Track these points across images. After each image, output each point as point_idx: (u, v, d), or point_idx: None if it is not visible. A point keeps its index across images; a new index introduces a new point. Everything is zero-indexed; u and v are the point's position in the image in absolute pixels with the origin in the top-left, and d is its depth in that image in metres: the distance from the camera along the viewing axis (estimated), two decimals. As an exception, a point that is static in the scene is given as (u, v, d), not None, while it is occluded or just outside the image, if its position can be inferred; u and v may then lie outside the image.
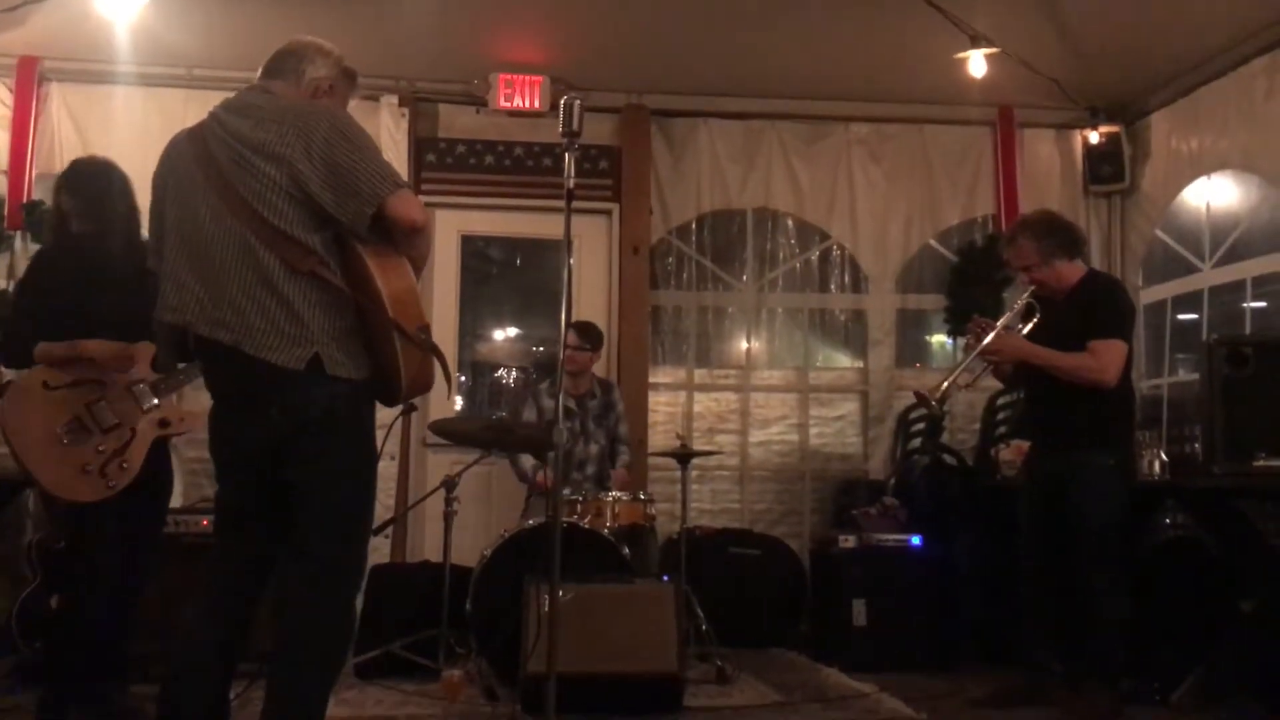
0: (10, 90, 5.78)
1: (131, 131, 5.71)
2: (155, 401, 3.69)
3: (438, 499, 4.84)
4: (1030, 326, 4.35)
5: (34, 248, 5.66)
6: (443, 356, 2.71)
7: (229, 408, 2.76)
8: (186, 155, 2.75)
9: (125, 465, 3.58)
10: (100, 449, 3.55)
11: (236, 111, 2.71)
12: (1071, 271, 4.37)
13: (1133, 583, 4.26)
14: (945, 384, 4.30)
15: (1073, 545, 4.21)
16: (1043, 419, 4.46)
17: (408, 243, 2.67)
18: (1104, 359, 4.17)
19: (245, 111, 2.70)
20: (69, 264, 3.73)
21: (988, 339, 4.29)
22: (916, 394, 4.49)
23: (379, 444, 2.83)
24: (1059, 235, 4.38)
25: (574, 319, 5.29)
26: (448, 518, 4.74)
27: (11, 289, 4.19)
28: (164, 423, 3.71)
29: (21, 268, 5.66)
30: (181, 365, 3.74)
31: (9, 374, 5.46)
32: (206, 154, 2.69)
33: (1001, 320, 4.39)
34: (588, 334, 5.52)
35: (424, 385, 2.74)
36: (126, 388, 3.64)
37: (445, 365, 2.72)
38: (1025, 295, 4.44)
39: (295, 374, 2.59)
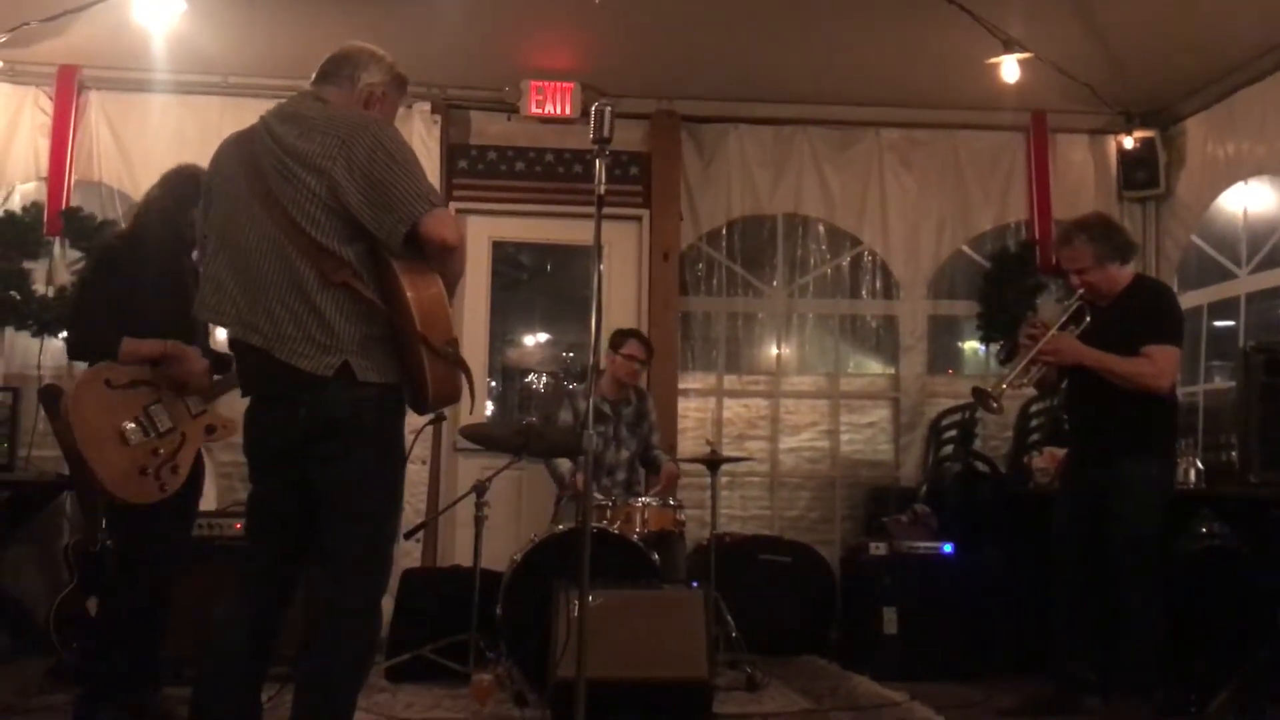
0: (50, 98, 5.86)
1: (168, 139, 5.79)
2: (204, 407, 3.73)
3: (468, 503, 4.85)
4: (1080, 329, 4.30)
5: (73, 254, 5.75)
6: (469, 371, 2.72)
7: (261, 408, 2.80)
8: (233, 159, 2.79)
9: (177, 469, 3.62)
10: (158, 451, 3.58)
11: (286, 119, 2.74)
12: (1122, 276, 4.35)
13: (1168, 592, 4.21)
14: (1004, 384, 4.27)
15: (1109, 554, 4.17)
16: (1087, 425, 4.39)
17: (441, 261, 2.68)
18: (1160, 364, 4.15)
19: (294, 120, 2.72)
20: (140, 263, 3.73)
21: (1045, 339, 4.24)
22: (976, 391, 4.42)
23: (408, 448, 2.84)
24: (1115, 239, 4.36)
25: (603, 325, 5.30)
26: (478, 522, 4.76)
27: (79, 281, 4.18)
28: (210, 428, 3.75)
29: (61, 273, 5.76)
30: (216, 377, 3.81)
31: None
32: (252, 160, 2.72)
33: (1055, 322, 4.34)
34: (648, 347, 5.56)
35: (450, 397, 2.75)
36: (178, 388, 3.67)
37: (471, 380, 2.73)
38: (1075, 298, 4.37)
39: (324, 379, 2.63)
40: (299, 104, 2.79)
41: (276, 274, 2.65)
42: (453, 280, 2.73)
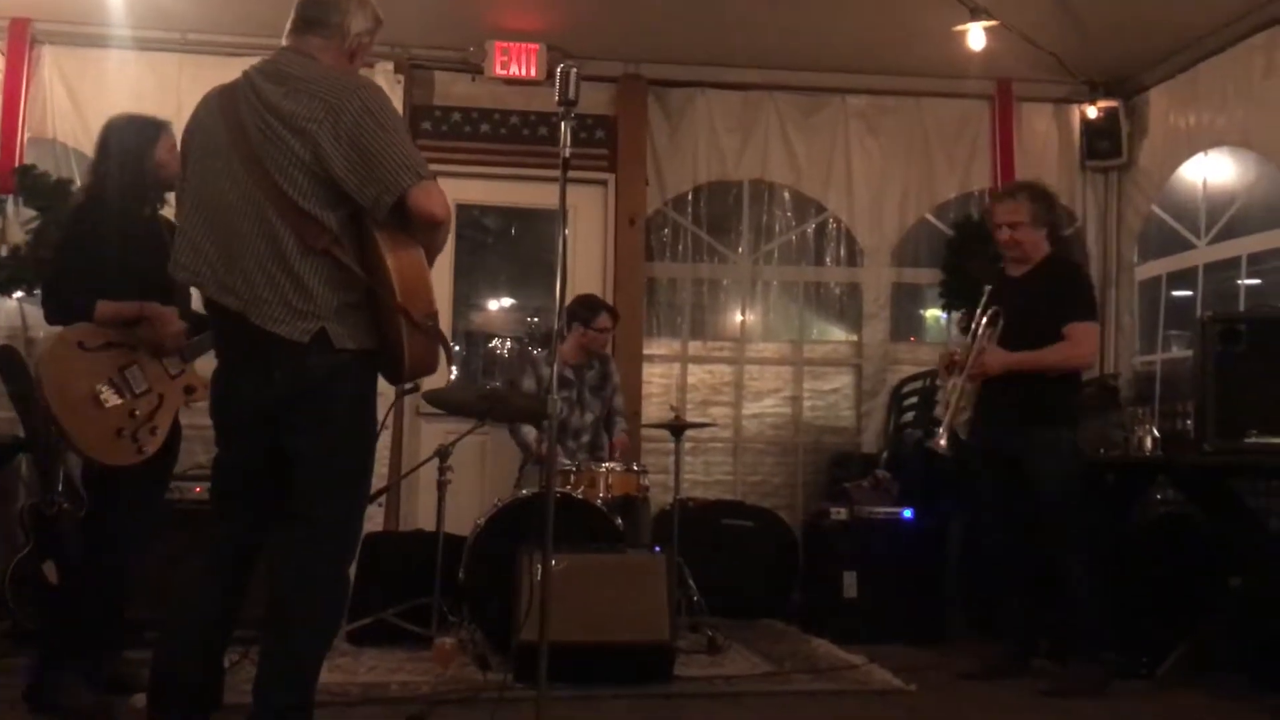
0: (1, 54, 5.72)
1: (125, 96, 5.64)
2: (182, 368, 3.67)
3: (431, 468, 4.85)
4: (998, 331, 4.35)
5: (26, 213, 5.63)
6: (448, 344, 2.71)
7: (233, 370, 2.76)
8: (215, 115, 2.72)
9: (154, 431, 3.56)
10: (135, 413, 3.52)
11: (270, 77, 2.67)
12: (1042, 246, 4.46)
13: (1122, 558, 4.29)
14: (943, 427, 4.31)
15: (1038, 518, 4.27)
16: (994, 391, 4.40)
17: (425, 233, 2.65)
18: (1085, 343, 4.31)
19: (279, 78, 2.65)
20: (111, 221, 3.64)
21: (969, 367, 4.31)
22: (930, 448, 4.47)
23: (381, 418, 2.84)
24: (1053, 208, 4.49)
25: (568, 290, 5.29)
26: (441, 487, 4.75)
27: (54, 245, 4.08)
28: (189, 389, 3.69)
29: (13, 232, 5.64)
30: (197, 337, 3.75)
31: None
32: (235, 118, 2.66)
33: (975, 343, 4.37)
34: (615, 315, 5.56)
35: (427, 369, 2.74)
36: (155, 351, 3.61)
37: (450, 352, 2.72)
38: (985, 301, 4.42)
39: (300, 345, 2.59)
40: (285, 60, 2.72)
41: (255, 236, 2.60)
42: (434, 251, 2.70)
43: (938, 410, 4.37)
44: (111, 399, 3.50)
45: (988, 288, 4.46)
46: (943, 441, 4.30)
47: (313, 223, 2.59)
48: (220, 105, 2.72)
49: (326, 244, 2.59)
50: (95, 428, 3.47)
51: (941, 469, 5.78)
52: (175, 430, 3.75)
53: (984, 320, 4.37)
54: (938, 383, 4.59)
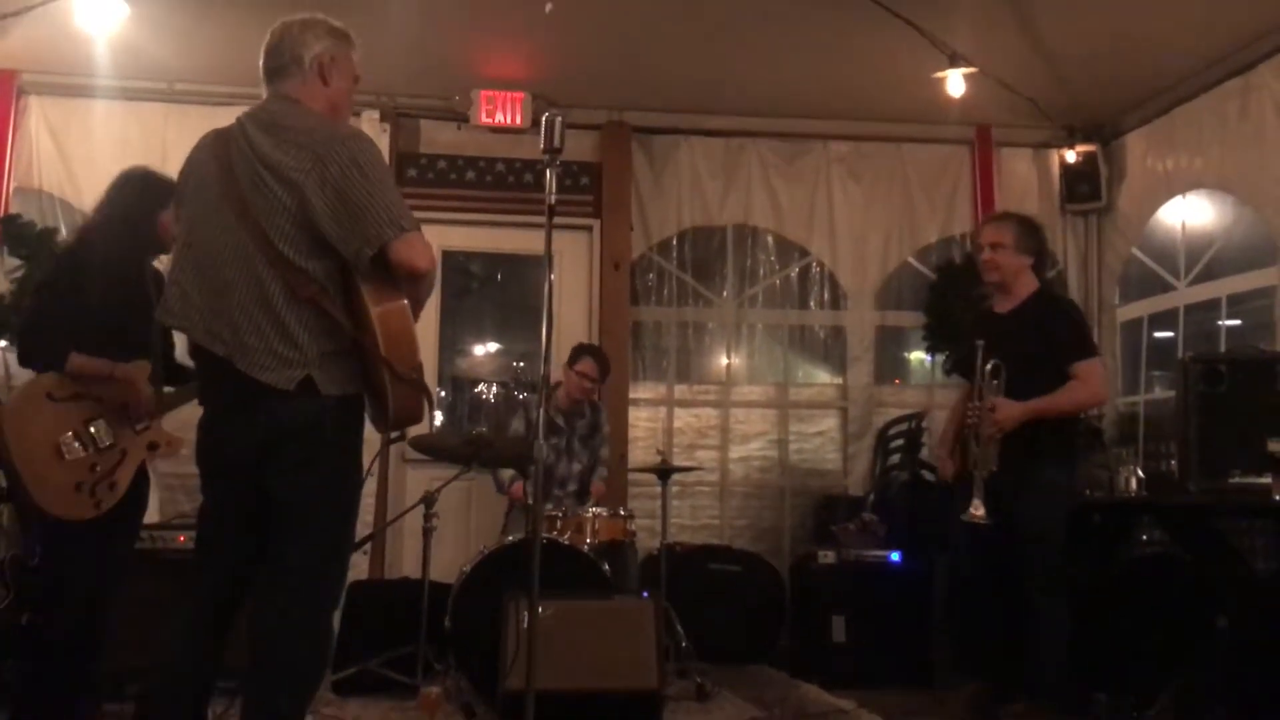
0: (-13, 104, 5.75)
1: (111, 146, 5.70)
2: (146, 423, 3.65)
3: (416, 514, 4.82)
4: (1001, 383, 4.20)
5: (10, 262, 5.63)
6: (431, 396, 2.72)
7: (218, 417, 2.75)
8: (209, 160, 2.73)
9: (114, 486, 3.53)
10: (95, 468, 3.49)
11: (262, 126, 2.68)
12: (1026, 280, 4.34)
13: (1108, 599, 4.26)
14: (976, 494, 4.11)
15: (1018, 557, 4.15)
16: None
17: (408, 284, 2.65)
18: (1094, 382, 4.18)
19: (270, 128, 2.66)
20: (95, 270, 3.61)
21: (984, 429, 4.14)
22: (972, 516, 4.17)
23: (367, 467, 2.82)
24: (1038, 238, 4.39)
25: (554, 335, 5.30)
26: (427, 533, 4.72)
27: (35, 286, 4.06)
28: (153, 445, 3.66)
29: (-1, 281, 5.65)
30: (169, 389, 3.74)
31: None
32: (227, 165, 2.67)
33: (983, 402, 4.19)
34: (604, 366, 5.50)
35: (412, 419, 2.73)
36: (121, 406, 3.60)
37: (432, 404, 2.72)
38: (980, 353, 4.21)
39: (285, 393, 2.59)
40: (278, 109, 2.73)
41: (243, 283, 2.60)
42: (420, 302, 2.70)
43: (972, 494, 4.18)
44: (74, 452, 3.48)
45: (979, 343, 4.25)
46: (979, 511, 4.11)
47: (300, 272, 2.59)
48: (214, 151, 2.73)
49: (313, 293, 2.59)
50: (53, 480, 3.45)
51: (929, 511, 5.79)
52: (143, 481, 3.72)
53: (987, 372, 4.20)
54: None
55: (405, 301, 2.65)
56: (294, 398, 2.60)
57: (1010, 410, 4.15)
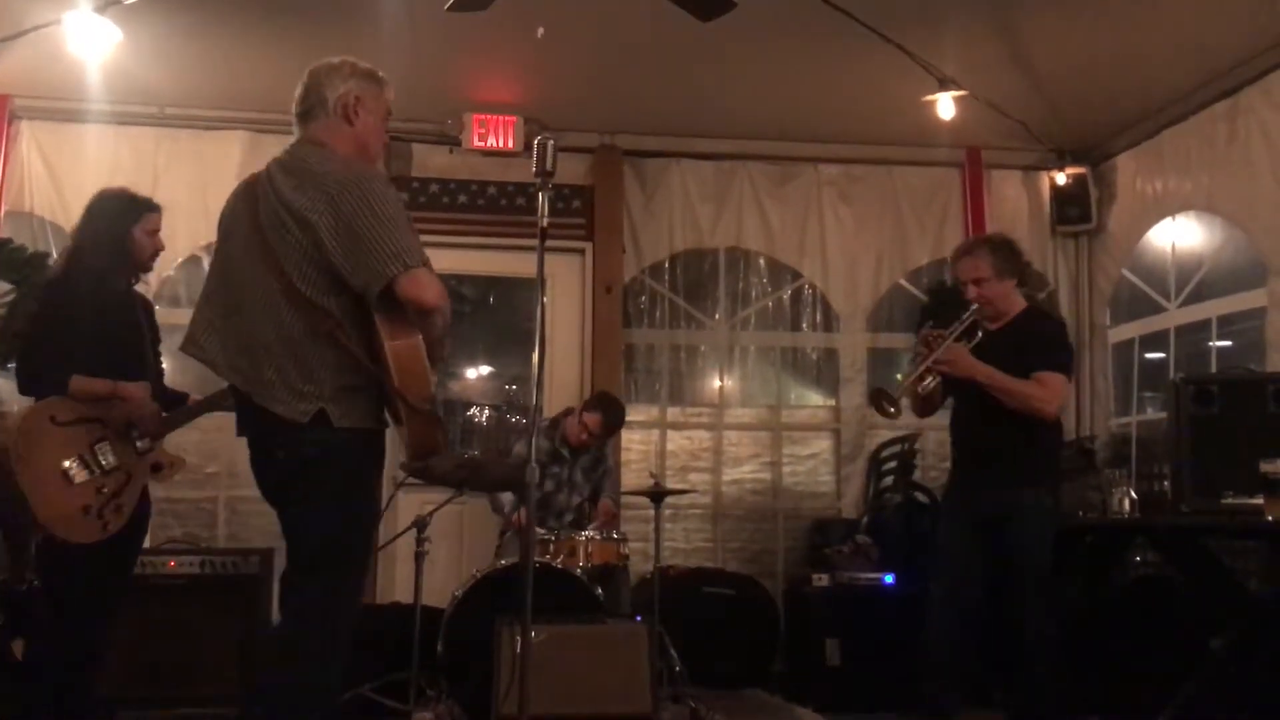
0: (-21, 128, 5.75)
1: (103, 170, 5.69)
2: (149, 444, 3.65)
3: (409, 539, 4.80)
4: (971, 345, 4.22)
5: (3, 285, 5.62)
6: (444, 428, 2.76)
7: (250, 447, 2.84)
8: (241, 202, 2.84)
9: (120, 509, 3.53)
10: (102, 490, 3.50)
11: (287, 169, 2.77)
12: (1014, 300, 4.34)
13: (1102, 621, 4.25)
14: (902, 386, 4.23)
15: (1011, 581, 4.13)
16: (977, 452, 4.32)
17: (420, 319, 2.69)
18: (1050, 390, 4.12)
19: (293, 171, 2.75)
20: (86, 294, 3.63)
21: (941, 348, 4.16)
22: (876, 391, 4.31)
23: (386, 501, 2.87)
24: (1014, 257, 4.37)
25: (546, 358, 5.29)
26: (419, 558, 4.70)
27: (30, 315, 4.06)
28: (156, 466, 3.68)
29: (-12, 305, 5.63)
30: (166, 414, 3.74)
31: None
32: (254, 207, 2.76)
33: (950, 335, 4.23)
34: (611, 424, 5.41)
35: (430, 449, 2.77)
36: (125, 428, 3.59)
37: (445, 435, 2.77)
38: (969, 313, 4.28)
39: (300, 425, 2.65)
40: (303, 152, 2.82)
41: (264, 320, 2.69)
42: (433, 339, 2.73)
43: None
44: (80, 475, 3.48)
45: (974, 305, 4.27)
46: (891, 407, 4.17)
47: (318, 309, 2.66)
48: (245, 194, 2.84)
49: (330, 328, 2.66)
50: (61, 504, 3.45)
51: (923, 532, 5.78)
52: (145, 507, 3.71)
53: (962, 322, 4.22)
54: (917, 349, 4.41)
55: (419, 337, 2.69)
56: (307, 430, 2.66)
57: (964, 355, 4.14)
